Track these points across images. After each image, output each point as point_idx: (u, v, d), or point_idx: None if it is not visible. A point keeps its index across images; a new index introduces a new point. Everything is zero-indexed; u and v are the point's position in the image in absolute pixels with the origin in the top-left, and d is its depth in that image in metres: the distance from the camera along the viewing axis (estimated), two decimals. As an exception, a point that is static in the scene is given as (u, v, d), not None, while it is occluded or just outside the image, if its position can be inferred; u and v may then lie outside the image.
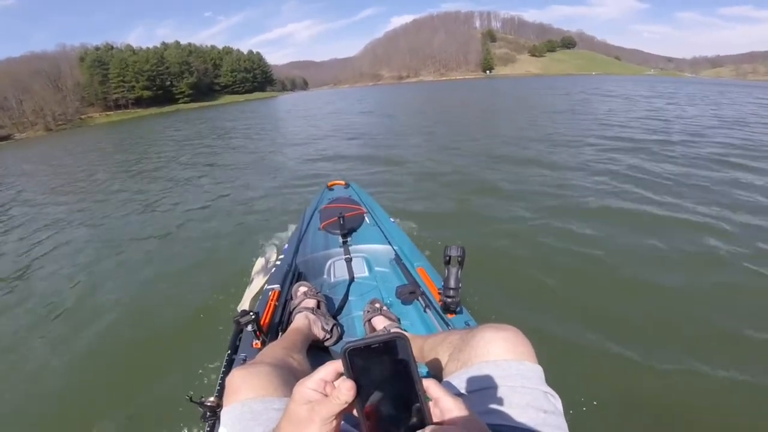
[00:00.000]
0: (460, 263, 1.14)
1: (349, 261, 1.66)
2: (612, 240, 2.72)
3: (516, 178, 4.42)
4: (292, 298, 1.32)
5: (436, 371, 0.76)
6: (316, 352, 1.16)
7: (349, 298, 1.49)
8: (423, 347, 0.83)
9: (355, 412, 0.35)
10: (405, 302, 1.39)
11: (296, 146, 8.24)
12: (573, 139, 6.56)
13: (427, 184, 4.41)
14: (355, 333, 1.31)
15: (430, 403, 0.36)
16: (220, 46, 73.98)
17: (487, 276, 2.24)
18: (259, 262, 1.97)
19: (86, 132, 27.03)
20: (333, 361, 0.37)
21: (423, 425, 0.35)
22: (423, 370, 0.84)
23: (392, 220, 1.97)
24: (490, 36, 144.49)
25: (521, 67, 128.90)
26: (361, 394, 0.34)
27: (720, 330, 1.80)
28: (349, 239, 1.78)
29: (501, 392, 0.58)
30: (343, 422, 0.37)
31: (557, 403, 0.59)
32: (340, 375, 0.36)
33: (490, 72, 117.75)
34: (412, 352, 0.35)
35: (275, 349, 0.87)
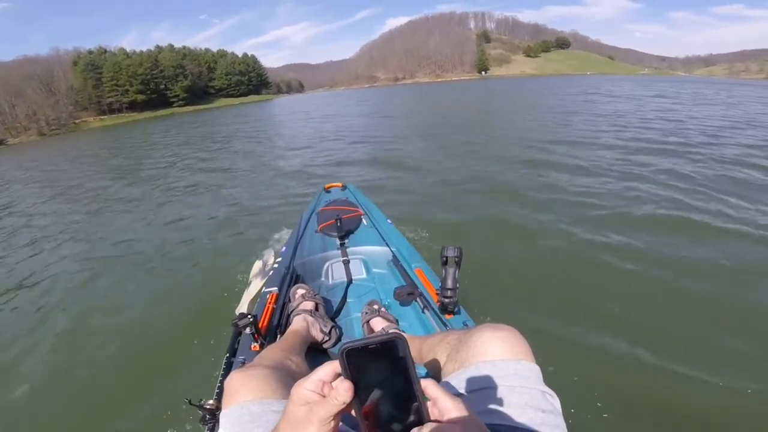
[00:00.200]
0: (458, 264, 1.14)
1: (346, 263, 1.66)
2: (612, 240, 2.73)
3: (515, 178, 4.44)
4: (290, 301, 1.32)
5: (434, 372, 0.76)
6: (315, 354, 1.16)
7: (347, 299, 1.49)
8: (421, 348, 0.83)
9: (353, 412, 0.35)
10: (403, 303, 1.39)
11: (293, 149, 8.23)
12: (578, 140, 6.39)
13: (425, 185, 4.43)
14: (354, 334, 1.31)
15: (429, 403, 0.36)
16: (214, 49, 73.95)
17: (485, 276, 2.25)
18: (257, 265, 1.96)
19: (80, 136, 26.86)
20: (331, 361, 0.37)
21: (421, 425, 0.35)
22: (421, 370, 0.85)
23: (389, 221, 1.97)
24: (485, 37, 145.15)
25: (516, 67, 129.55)
26: (359, 394, 0.34)
27: (721, 331, 1.80)
28: (346, 241, 1.78)
29: (499, 392, 0.58)
30: (341, 423, 0.37)
31: (555, 402, 0.59)
32: (338, 376, 0.36)
33: (486, 73, 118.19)
34: (410, 352, 0.35)
35: (273, 352, 0.87)
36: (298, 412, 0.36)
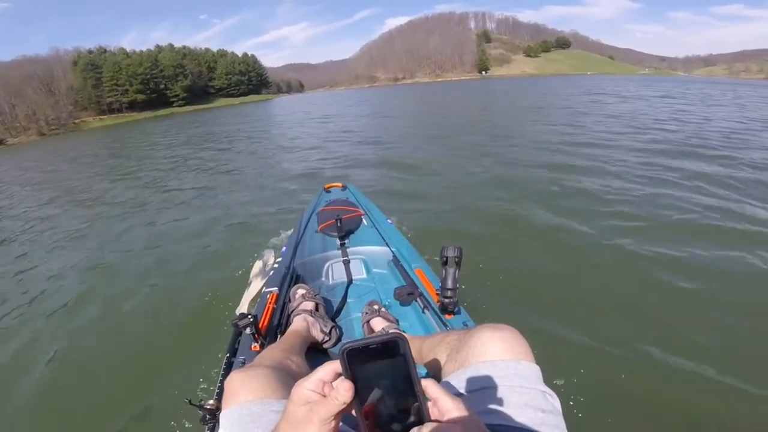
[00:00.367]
0: (458, 264, 1.14)
1: (347, 263, 1.66)
2: (612, 241, 2.73)
3: (516, 179, 4.43)
4: (290, 301, 1.32)
5: (434, 372, 0.76)
6: (315, 355, 1.16)
7: (348, 299, 1.49)
8: (421, 348, 0.83)
9: (353, 412, 0.35)
10: (403, 303, 1.39)
11: (294, 150, 8.23)
12: (595, 142, 6.18)
13: (426, 185, 4.43)
14: (354, 335, 1.31)
15: (429, 403, 0.36)
16: (214, 49, 73.94)
17: (485, 276, 2.25)
18: (257, 265, 1.96)
19: (80, 136, 26.84)
20: (331, 361, 0.38)
21: (422, 425, 0.35)
22: (421, 370, 0.85)
23: (389, 221, 1.97)
24: (485, 37, 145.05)
25: (517, 67, 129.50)
26: (359, 394, 0.34)
27: (723, 333, 1.80)
28: (346, 241, 1.78)
29: (499, 392, 0.58)
30: (341, 423, 0.37)
31: (555, 402, 0.59)
32: (338, 376, 0.36)
33: (486, 73, 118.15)
34: (410, 352, 0.35)
35: (274, 352, 0.87)
36: (299, 412, 0.36)
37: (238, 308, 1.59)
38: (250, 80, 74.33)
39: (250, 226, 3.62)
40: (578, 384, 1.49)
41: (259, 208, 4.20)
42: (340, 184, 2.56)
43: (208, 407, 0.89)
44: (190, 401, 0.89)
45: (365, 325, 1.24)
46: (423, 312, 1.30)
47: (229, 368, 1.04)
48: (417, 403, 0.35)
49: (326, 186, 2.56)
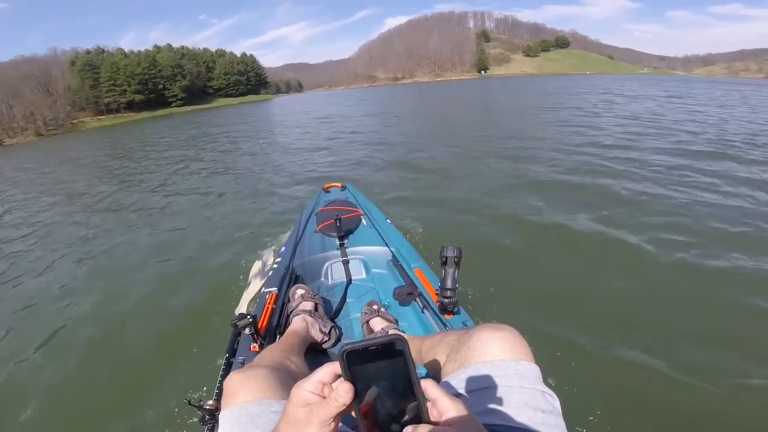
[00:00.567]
0: (457, 264, 1.14)
1: (346, 263, 1.66)
2: (612, 241, 2.73)
3: (518, 180, 4.42)
4: (289, 301, 1.32)
5: (434, 372, 0.76)
6: (315, 355, 1.16)
7: (347, 300, 1.49)
8: (421, 348, 0.83)
9: (353, 413, 0.35)
10: (402, 303, 1.39)
11: (294, 150, 8.23)
12: (612, 144, 5.96)
13: (425, 185, 4.43)
14: (353, 335, 1.31)
15: (428, 404, 0.36)
16: (213, 49, 73.82)
17: (485, 276, 2.25)
18: (257, 265, 1.96)
19: (78, 137, 26.77)
20: (331, 363, 0.38)
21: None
22: (421, 370, 0.85)
23: (389, 221, 1.97)
24: (485, 36, 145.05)
25: (516, 67, 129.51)
26: (358, 395, 0.34)
27: (725, 334, 1.79)
28: (346, 241, 1.78)
29: (499, 392, 0.58)
30: (341, 423, 0.37)
31: (555, 402, 0.59)
32: (337, 377, 0.36)
33: (485, 72, 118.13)
34: (410, 353, 0.35)
35: (273, 352, 0.87)
36: (298, 414, 0.36)
37: (238, 308, 1.59)
38: (249, 80, 74.21)
39: (250, 227, 3.61)
40: (578, 384, 1.49)
41: (258, 208, 4.20)
42: (339, 184, 2.55)
43: (208, 408, 0.89)
44: (189, 402, 0.89)
45: (365, 326, 1.24)
46: (422, 312, 1.30)
47: (228, 368, 1.04)
48: (416, 404, 0.35)
49: (325, 186, 2.56)
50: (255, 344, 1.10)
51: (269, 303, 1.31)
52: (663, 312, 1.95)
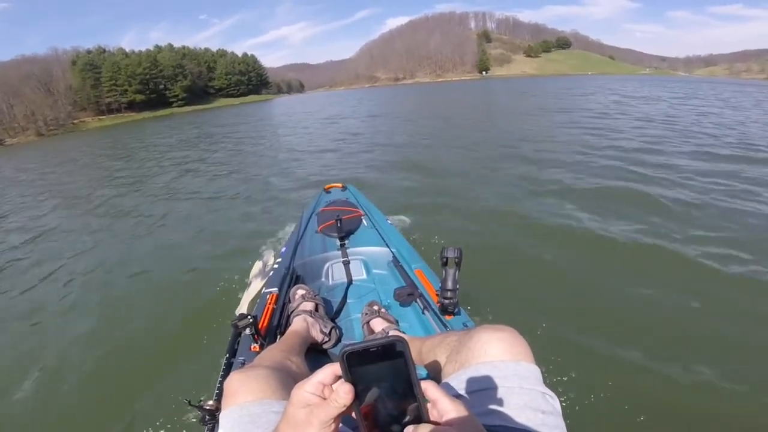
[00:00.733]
0: (458, 264, 1.14)
1: (347, 263, 1.66)
2: (613, 241, 2.72)
3: (518, 181, 4.41)
4: (290, 301, 1.32)
5: (434, 373, 0.76)
6: (315, 355, 1.16)
7: (348, 300, 1.49)
8: (421, 349, 0.83)
9: (353, 414, 0.35)
10: (403, 304, 1.39)
11: (296, 151, 8.23)
12: (639, 147, 5.70)
13: (425, 186, 4.43)
14: (354, 335, 1.31)
15: (429, 405, 0.36)
16: (214, 49, 73.89)
17: (485, 277, 2.25)
18: (257, 266, 1.96)
19: (79, 137, 26.81)
20: (331, 364, 0.38)
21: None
22: (421, 371, 0.85)
23: (389, 221, 1.97)
24: (486, 36, 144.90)
25: (517, 67, 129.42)
26: (359, 396, 0.34)
27: (725, 335, 1.79)
28: (346, 242, 1.78)
29: (499, 393, 0.58)
30: (341, 425, 0.37)
31: (555, 403, 0.59)
32: (338, 378, 0.36)
33: (486, 73, 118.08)
34: (410, 354, 0.35)
35: (273, 353, 0.88)
36: (299, 415, 0.37)
37: (238, 309, 1.59)
38: (250, 80, 74.28)
39: (250, 227, 3.62)
40: (578, 385, 1.49)
41: (258, 208, 4.20)
42: (340, 185, 2.56)
43: (208, 408, 0.89)
44: (189, 402, 0.89)
45: (365, 326, 1.24)
46: (423, 313, 1.30)
47: (228, 369, 1.04)
48: (416, 405, 0.35)
49: (326, 186, 2.56)
50: (255, 344, 1.11)
51: (270, 303, 1.31)
52: (666, 315, 1.94)
